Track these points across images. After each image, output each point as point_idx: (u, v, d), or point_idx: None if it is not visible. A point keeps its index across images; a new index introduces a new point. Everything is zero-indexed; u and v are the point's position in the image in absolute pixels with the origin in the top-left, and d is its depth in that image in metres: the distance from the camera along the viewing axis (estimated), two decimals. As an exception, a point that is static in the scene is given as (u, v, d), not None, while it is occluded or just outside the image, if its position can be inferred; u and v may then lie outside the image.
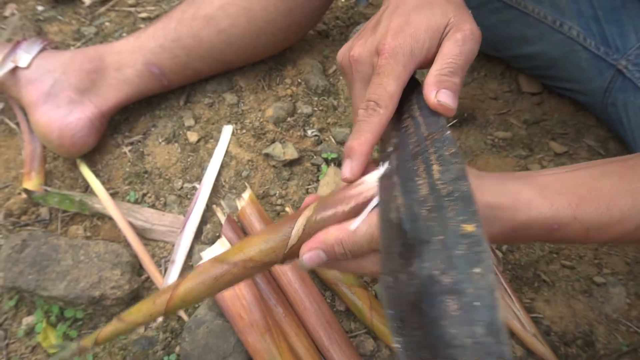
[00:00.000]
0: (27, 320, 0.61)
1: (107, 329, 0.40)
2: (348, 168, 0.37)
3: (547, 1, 0.70)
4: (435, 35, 0.39)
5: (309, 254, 0.36)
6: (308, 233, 0.36)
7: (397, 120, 0.39)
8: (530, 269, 0.65)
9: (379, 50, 0.39)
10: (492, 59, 0.85)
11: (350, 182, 0.37)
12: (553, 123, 0.79)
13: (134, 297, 0.62)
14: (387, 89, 0.38)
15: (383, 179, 0.35)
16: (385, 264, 0.31)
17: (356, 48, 0.42)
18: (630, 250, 0.66)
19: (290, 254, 0.37)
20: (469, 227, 0.28)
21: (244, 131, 0.76)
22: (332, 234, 0.35)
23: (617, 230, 0.37)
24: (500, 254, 0.65)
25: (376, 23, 0.42)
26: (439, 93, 0.37)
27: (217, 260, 0.38)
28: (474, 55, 0.40)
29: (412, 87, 0.40)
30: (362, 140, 0.37)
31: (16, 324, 0.61)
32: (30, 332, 0.60)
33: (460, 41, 0.38)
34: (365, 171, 0.37)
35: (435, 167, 0.32)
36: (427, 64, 0.40)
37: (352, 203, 0.36)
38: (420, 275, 0.28)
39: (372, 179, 0.36)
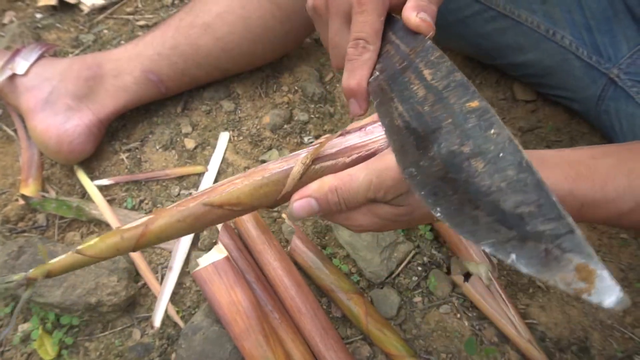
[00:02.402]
0: (23, 327, 0.61)
1: (64, 260, 0.36)
2: (356, 106, 0.40)
3: (540, 10, 0.71)
4: None
5: (299, 202, 0.35)
6: (304, 182, 0.35)
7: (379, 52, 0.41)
8: (525, 275, 0.65)
9: None
10: (487, 67, 0.85)
11: (360, 115, 0.39)
12: (547, 130, 0.79)
13: (131, 303, 0.62)
14: (372, 25, 0.39)
15: (377, 97, 0.37)
16: (403, 160, 0.33)
17: None
18: (624, 257, 0.66)
19: (282, 201, 0.36)
20: (474, 104, 0.31)
21: (241, 138, 0.77)
22: (327, 181, 0.35)
23: (611, 209, 0.37)
24: (495, 260, 0.65)
25: None
26: (419, 14, 0.38)
27: (200, 200, 0.36)
28: None
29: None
30: (358, 78, 0.39)
31: (12, 331, 0.61)
32: (26, 339, 0.60)
33: None
34: (369, 124, 0.37)
35: (426, 72, 0.34)
36: (400, 6, 0.41)
37: (354, 155, 0.35)
38: (441, 155, 0.30)
39: (378, 132, 0.36)
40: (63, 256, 0.36)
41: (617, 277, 0.65)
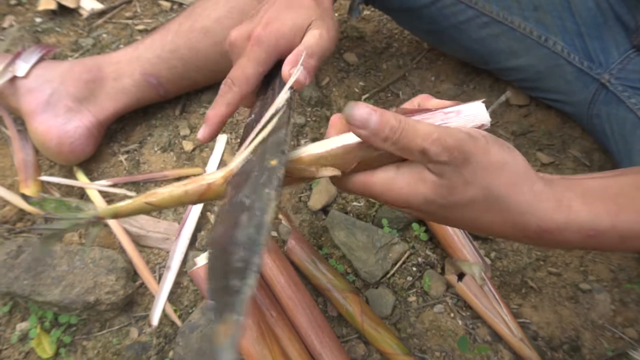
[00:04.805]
0: (21, 326, 0.61)
1: (133, 205, 0.38)
2: (202, 132, 0.45)
3: (533, 17, 0.73)
4: (299, 32, 0.46)
5: (365, 108, 0.35)
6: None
7: (264, 96, 0.46)
8: (518, 275, 0.66)
9: (249, 37, 0.46)
10: (481, 72, 0.87)
11: (202, 143, 0.42)
12: (540, 134, 0.81)
13: (129, 302, 0.62)
14: (244, 71, 0.45)
15: (243, 135, 0.41)
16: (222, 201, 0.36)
17: (234, 32, 0.48)
18: (614, 258, 0.68)
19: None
20: (273, 162, 0.34)
21: (238, 140, 0.78)
22: (394, 113, 0.34)
23: None
24: (489, 261, 0.66)
25: (255, 13, 0.49)
26: (292, 68, 0.43)
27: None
28: (329, 50, 0.47)
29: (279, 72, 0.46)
30: (215, 112, 0.44)
31: (10, 329, 0.61)
32: (24, 337, 0.61)
33: (317, 35, 0.46)
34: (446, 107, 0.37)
35: (270, 125, 0.38)
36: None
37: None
38: (233, 203, 0.33)
39: (454, 121, 0.36)
40: (130, 201, 0.39)
41: (607, 277, 0.66)
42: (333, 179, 0.38)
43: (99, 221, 0.38)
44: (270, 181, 0.32)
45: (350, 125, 0.34)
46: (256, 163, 0.36)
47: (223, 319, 0.26)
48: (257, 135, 0.38)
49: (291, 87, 0.42)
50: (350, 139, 0.36)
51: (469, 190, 0.34)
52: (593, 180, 0.38)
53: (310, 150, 0.37)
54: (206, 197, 0.38)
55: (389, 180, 0.36)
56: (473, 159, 0.33)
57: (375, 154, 0.36)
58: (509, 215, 0.35)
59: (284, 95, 0.41)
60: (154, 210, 0.39)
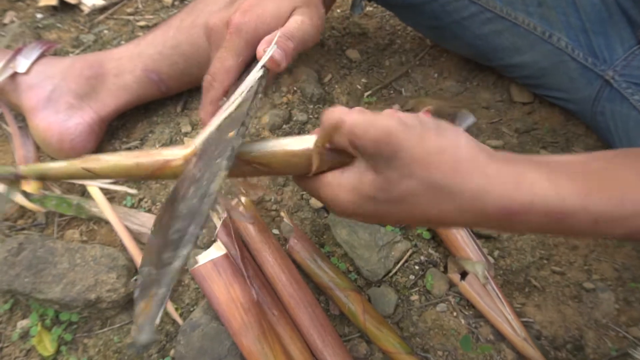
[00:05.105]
0: (22, 323, 0.61)
1: (66, 168, 0.34)
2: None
3: (537, 13, 0.72)
4: (281, 19, 0.44)
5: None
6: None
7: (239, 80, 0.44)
8: (521, 274, 0.66)
9: (227, 24, 0.43)
10: (484, 69, 0.86)
11: None
12: (543, 132, 0.80)
13: (130, 300, 0.62)
14: (224, 63, 0.43)
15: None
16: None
17: (213, 18, 0.46)
18: (618, 256, 0.67)
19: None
20: (231, 133, 0.33)
21: (240, 138, 0.77)
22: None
23: (630, 224, 0.33)
24: (492, 260, 0.66)
25: None
26: (267, 47, 0.41)
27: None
28: (312, 38, 0.45)
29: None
30: (205, 111, 0.43)
31: (11, 327, 0.61)
32: (25, 335, 0.60)
33: (299, 21, 0.44)
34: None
35: (234, 102, 0.38)
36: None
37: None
38: (185, 178, 0.33)
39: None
40: (64, 163, 0.33)
41: (612, 276, 0.66)
42: (297, 179, 0.38)
43: (18, 180, 0.34)
44: (224, 151, 0.31)
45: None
46: (217, 138, 0.35)
47: (145, 294, 0.24)
48: (223, 113, 0.38)
49: (265, 67, 0.41)
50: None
51: (406, 183, 0.32)
52: (558, 162, 0.35)
53: (285, 144, 0.36)
54: (161, 175, 0.35)
55: (336, 186, 0.35)
56: (403, 151, 0.31)
57: (340, 157, 0.35)
58: (459, 202, 0.32)
59: (256, 73, 0.40)
60: (94, 178, 0.34)
